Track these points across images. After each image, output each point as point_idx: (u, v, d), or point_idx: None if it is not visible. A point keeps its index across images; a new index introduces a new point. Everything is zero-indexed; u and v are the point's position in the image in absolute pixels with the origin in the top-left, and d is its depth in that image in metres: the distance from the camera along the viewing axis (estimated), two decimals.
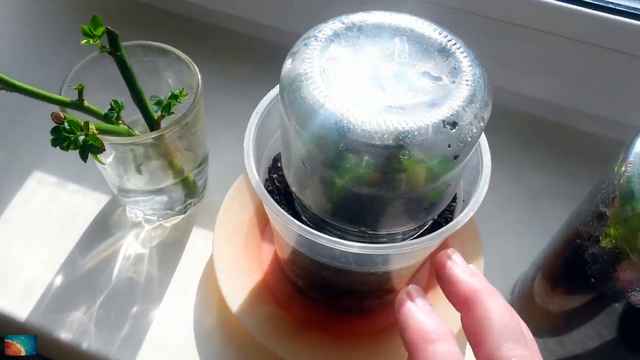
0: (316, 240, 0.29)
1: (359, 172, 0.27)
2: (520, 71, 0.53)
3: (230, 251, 0.43)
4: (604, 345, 0.31)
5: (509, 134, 0.53)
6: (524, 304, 0.39)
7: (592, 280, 0.30)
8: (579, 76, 0.51)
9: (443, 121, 0.26)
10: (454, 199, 0.37)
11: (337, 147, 0.26)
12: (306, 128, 0.27)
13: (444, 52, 0.29)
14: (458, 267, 0.25)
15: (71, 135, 0.31)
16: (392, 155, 0.26)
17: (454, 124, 0.27)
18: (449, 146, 0.26)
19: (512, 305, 0.41)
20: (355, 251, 0.29)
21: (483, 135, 0.34)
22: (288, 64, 0.29)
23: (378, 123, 0.26)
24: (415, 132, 0.26)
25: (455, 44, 0.30)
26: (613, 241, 0.27)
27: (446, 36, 0.30)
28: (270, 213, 0.33)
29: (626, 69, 0.48)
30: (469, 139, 0.27)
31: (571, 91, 0.53)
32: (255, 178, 0.31)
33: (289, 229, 0.31)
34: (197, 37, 0.61)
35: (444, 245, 0.43)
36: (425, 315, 0.24)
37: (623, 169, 0.27)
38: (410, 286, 0.25)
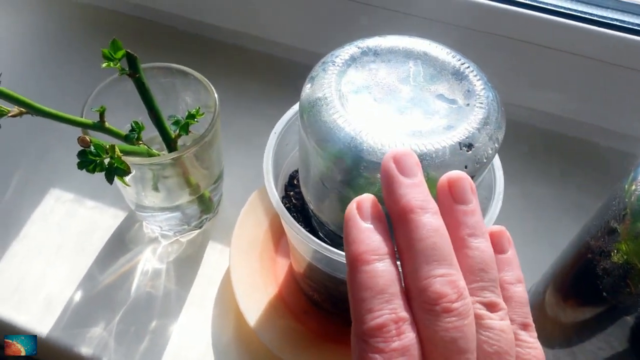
0: (334, 257, 0.30)
1: (377, 192, 0.28)
2: (528, 85, 0.54)
3: (246, 266, 0.44)
4: (615, 357, 0.32)
5: (517, 147, 0.54)
6: (535, 315, 0.39)
7: (604, 293, 0.30)
8: (587, 91, 0.52)
9: (459, 143, 0.27)
10: None
11: (357, 169, 0.27)
12: (327, 150, 0.28)
13: (458, 75, 0.30)
14: (399, 176, 0.23)
15: (97, 158, 0.32)
16: None
17: (469, 146, 0.28)
18: (466, 167, 0.27)
19: None
20: None
21: (496, 154, 0.35)
22: (307, 88, 0.30)
23: (397, 146, 0.27)
24: (433, 155, 0.27)
25: (469, 67, 0.31)
26: (624, 256, 0.28)
27: (459, 59, 0.31)
28: (288, 230, 0.34)
29: (634, 83, 0.49)
30: (485, 160, 0.28)
31: (579, 105, 0.54)
32: (275, 197, 0.32)
33: (306, 245, 0.32)
34: (212, 55, 0.62)
35: None
36: (366, 232, 0.22)
37: (633, 187, 0.28)
38: (364, 195, 0.24)
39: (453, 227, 0.23)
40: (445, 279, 0.21)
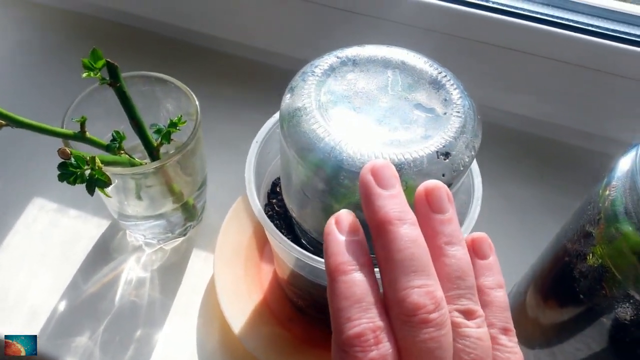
0: (315, 265, 0.31)
1: (358, 200, 0.28)
2: (507, 89, 0.55)
3: (231, 273, 0.44)
4: (593, 357, 0.33)
5: (498, 150, 0.55)
6: (516, 316, 0.40)
7: (581, 296, 0.31)
8: (565, 94, 0.53)
9: (437, 152, 0.28)
10: None
11: (337, 179, 0.27)
12: (307, 160, 0.28)
13: (435, 84, 0.31)
14: (377, 188, 0.23)
15: (78, 170, 0.32)
16: None
17: (447, 154, 0.28)
18: (443, 175, 0.28)
19: None
20: None
21: (474, 161, 0.36)
22: (287, 99, 0.30)
23: (375, 155, 0.27)
24: (411, 164, 0.27)
25: (446, 75, 0.31)
26: (599, 260, 0.29)
27: (437, 68, 0.31)
28: (271, 238, 0.34)
29: (611, 87, 0.50)
30: (462, 168, 0.28)
31: (558, 109, 0.54)
32: (258, 206, 0.33)
33: (289, 253, 0.32)
34: (194, 61, 0.62)
35: None
36: (344, 244, 0.23)
37: (607, 192, 0.29)
38: (343, 211, 0.24)
39: (430, 236, 0.23)
40: (423, 289, 0.21)
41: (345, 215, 0.24)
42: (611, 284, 0.28)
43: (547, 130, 0.56)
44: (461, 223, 0.34)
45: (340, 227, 0.24)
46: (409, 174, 0.27)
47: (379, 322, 0.21)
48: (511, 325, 0.24)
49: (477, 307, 0.23)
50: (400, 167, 0.27)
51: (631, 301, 0.28)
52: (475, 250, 0.25)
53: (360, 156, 0.27)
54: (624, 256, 0.27)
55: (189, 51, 0.63)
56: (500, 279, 0.25)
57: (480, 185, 0.35)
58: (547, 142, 0.57)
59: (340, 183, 0.28)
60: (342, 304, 0.22)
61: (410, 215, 0.23)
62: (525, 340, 0.39)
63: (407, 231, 0.22)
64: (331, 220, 0.24)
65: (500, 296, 0.25)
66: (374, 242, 0.23)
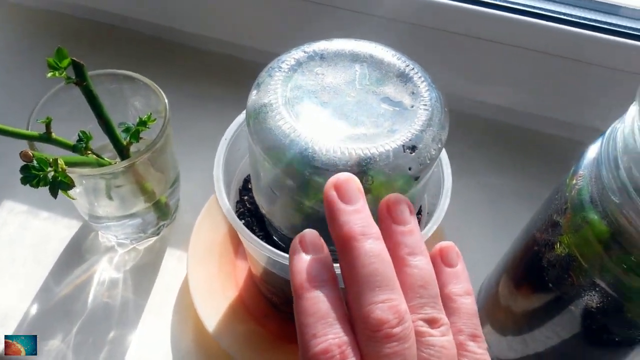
0: (286, 263, 0.30)
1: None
2: (482, 81, 0.55)
3: (205, 271, 0.44)
4: (563, 344, 0.33)
5: (472, 139, 0.55)
6: (490, 305, 0.40)
7: (550, 285, 0.31)
8: (539, 84, 0.53)
9: (403, 146, 0.28)
10: (419, 212, 0.38)
11: (303, 176, 0.27)
12: (273, 157, 0.28)
13: (403, 77, 0.31)
14: (340, 203, 0.24)
15: (40, 172, 0.31)
16: None
17: (413, 148, 0.28)
18: (410, 169, 0.28)
19: (479, 307, 0.43)
20: None
21: (444, 151, 0.36)
22: (253, 95, 0.30)
23: (342, 151, 0.27)
24: (377, 158, 0.27)
25: (413, 68, 0.31)
26: (566, 249, 0.29)
27: (404, 61, 0.31)
28: (241, 237, 0.34)
29: (585, 76, 0.50)
30: (428, 161, 0.28)
31: (533, 98, 0.55)
32: (226, 205, 0.32)
33: (259, 251, 0.32)
34: (164, 57, 0.61)
35: None
36: (308, 263, 0.23)
37: (574, 181, 0.29)
38: (306, 230, 0.25)
39: (393, 247, 0.24)
40: (386, 304, 0.22)
41: (309, 234, 0.25)
42: (578, 273, 0.29)
43: (523, 119, 0.57)
44: (432, 214, 0.34)
45: (304, 245, 0.24)
46: (376, 168, 0.27)
47: (344, 338, 0.22)
48: (480, 332, 0.25)
49: (441, 316, 0.23)
50: (366, 162, 0.27)
51: (597, 289, 0.28)
52: (443, 259, 0.26)
53: (326, 152, 0.27)
54: (590, 245, 0.27)
55: (158, 47, 0.62)
56: (468, 287, 0.26)
57: (450, 177, 0.35)
58: (523, 132, 0.57)
59: (305, 179, 0.27)
60: (307, 320, 0.22)
61: (374, 230, 0.24)
62: (499, 327, 0.40)
63: (371, 246, 0.23)
64: (295, 240, 0.25)
65: (468, 303, 0.25)
66: (339, 258, 0.24)
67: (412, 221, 0.25)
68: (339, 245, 0.23)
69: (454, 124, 0.51)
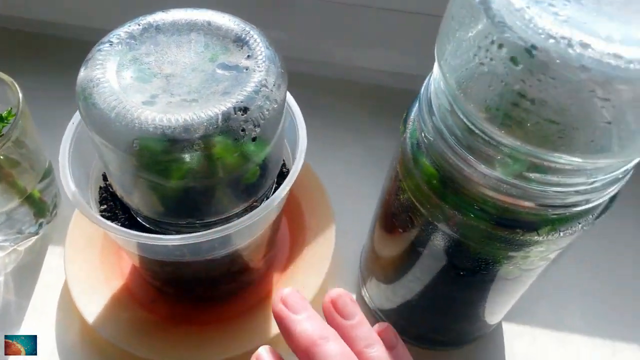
0: (134, 240, 0.30)
1: (159, 168, 0.28)
2: (353, 45, 0.56)
3: (85, 263, 0.43)
4: (425, 289, 0.35)
5: (359, 105, 0.56)
6: (369, 259, 0.41)
7: (400, 230, 0.33)
8: (411, 43, 0.54)
9: (234, 108, 0.28)
10: (283, 168, 0.38)
11: (132, 148, 0.27)
12: (101, 134, 0.28)
13: (239, 42, 0.31)
14: (292, 315, 0.26)
15: None
16: (186, 147, 0.27)
17: (245, 109, 0.28)
18: (243, 130, 0.28)
19: (363, 261, 0.44)
20: (173, 243, 0.30)
21: (299, 112, 0.36)
22: (81, 72, 0.29)
23: (168, 119, 0.27)
24: (205, 123, 0.27)
25: (249, 32, 0.31)
26: (405, 194, 0.30)
27: (241, 26, 0.31)
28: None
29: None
30: (262, 121, 0.29)
31: (407, 59, 0.56)
32: (72, 189, 0.32)
33: (121, 236, 0.32)
34: (19, 49, 0.59)
35: (298, 214, 0.45)
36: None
37: (402, 128, 0.30)
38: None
39: (349, 342, 0.25)
40: None
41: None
42: (418, 217, 0.30)
43: (403, 81, 0.58)
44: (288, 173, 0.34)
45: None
46: (205, 134, 0.27)
47: None
48: None
49: None
50: (195, 128, 0.27)
51: (437, 230, 0.29)
52: (385, 342, 0.27)
53: (152, 120, 0.27)
54: (421, 189, 0.28)
55: (15, 37, 0.60)
56: (374, 335, 0.27)
57: (304, 139, 0.35)
58: (405, 93, 0.58)
59: (140, 153, 0.27)
60: None
61: (330, 331, 0.25)
62: (377, 280, 0.40)
63: (333, 347, 0.24)
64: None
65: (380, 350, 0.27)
66: None
67: (358, 311, 0.27)
68: (302, 354, 0.25)
69: (337, 90, 0.51)
